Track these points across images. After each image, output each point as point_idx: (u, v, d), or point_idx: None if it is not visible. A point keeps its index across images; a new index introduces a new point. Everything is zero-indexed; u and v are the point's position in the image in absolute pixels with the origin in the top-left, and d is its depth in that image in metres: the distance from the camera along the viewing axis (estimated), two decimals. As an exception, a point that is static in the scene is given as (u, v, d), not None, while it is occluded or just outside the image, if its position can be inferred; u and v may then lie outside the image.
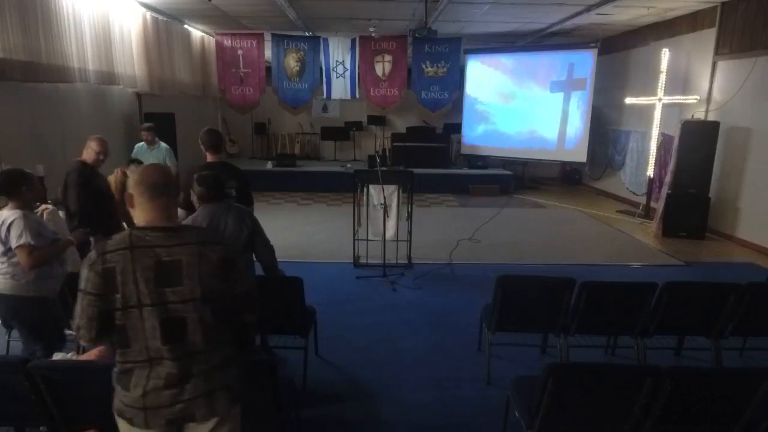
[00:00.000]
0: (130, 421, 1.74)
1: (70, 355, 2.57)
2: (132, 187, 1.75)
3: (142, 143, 6.38)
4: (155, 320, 1.68)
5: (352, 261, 5.99)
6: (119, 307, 1.67)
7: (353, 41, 11.13)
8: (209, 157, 3.77)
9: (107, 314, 1.68)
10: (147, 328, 1.68)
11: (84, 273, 1.68)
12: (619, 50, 10.64)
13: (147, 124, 6.39)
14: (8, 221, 2.85)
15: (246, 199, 3.71)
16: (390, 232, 5.78)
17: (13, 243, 2.82)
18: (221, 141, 3.87)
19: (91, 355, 2.51)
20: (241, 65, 11.16)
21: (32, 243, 2.84)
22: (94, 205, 4.10)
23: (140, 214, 1.75)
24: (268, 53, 11.41)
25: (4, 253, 2.89)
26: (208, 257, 1.72)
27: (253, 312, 1.89)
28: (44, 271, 2.98)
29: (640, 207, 9.09)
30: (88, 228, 3.85)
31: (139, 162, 5.68)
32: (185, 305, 1.69)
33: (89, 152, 4.15)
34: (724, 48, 7.61)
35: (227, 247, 1.79)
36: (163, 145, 6.43)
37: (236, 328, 1.88)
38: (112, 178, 4.79)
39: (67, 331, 3.23)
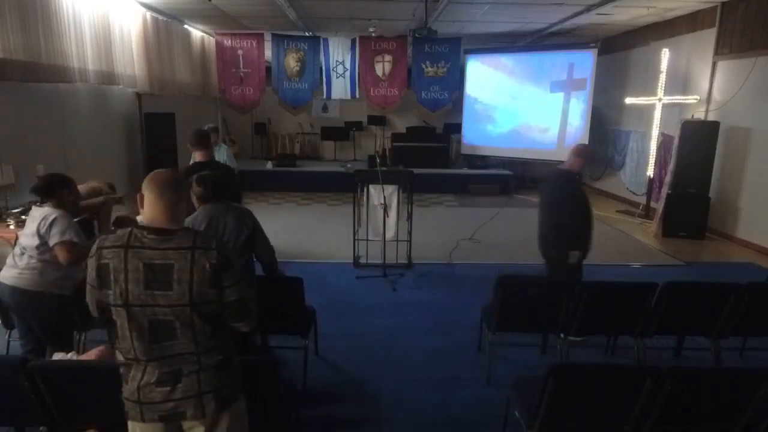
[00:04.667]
0: (127, 414, 1.79)
1: (70, 355, 2.57)
2: (143, 188, 1.79)
3: None
4: (142, 321, 1.70)
5: (352, 261, 5.99)
6: (111, 303, 1.71)
7: (353, 41, 11.13)
8: (198, 156, 3.87)
9: (105, 307, 1.73)
10: (135, 327, 1.70)
11: (88, 262, 1.75)
12: (619, 50, 10.64)
13: (212, 125, 6.05)
14: (50, 218, 2.90)
15: (235, 195, 3.73)
16: (390, 232, 5.78)
17: (56, 239, 2.86)
18: (207, 139, 3.91)
19: (91, 355, 2.52)
20: (241, 65, 11.16)
21: (75, 240, 2.90)
22: None
23: (146, 211, 1.78)
24: (268, 53, 11.40)
25: (38, 247, 2.92)
26: (200, 263, 1.70)
27: (247, 320, 1.85)
28: (71, 270, 3.02)
29: (640, 207, 9.09)
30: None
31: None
32: (173, 310, 1.69)
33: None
34: (724, 48, 7.61)
35: (222, 253, 1.75)
36: (224, 146, 6.20)
37: (230, 333, 1.86)
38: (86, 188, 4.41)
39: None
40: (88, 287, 1.76)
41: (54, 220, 2.90)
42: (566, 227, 3.87)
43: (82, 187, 4.63)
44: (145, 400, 1.74)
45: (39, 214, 2.95)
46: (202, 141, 3.85)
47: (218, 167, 3.87)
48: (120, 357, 1.78)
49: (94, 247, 1.74)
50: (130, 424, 1.83)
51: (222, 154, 6.15)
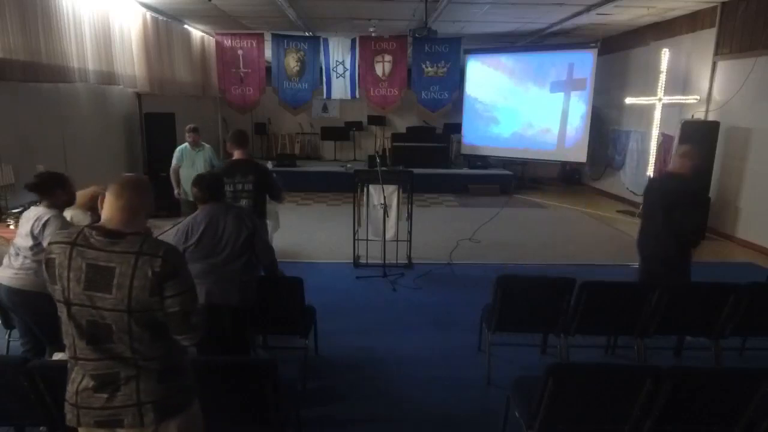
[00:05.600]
0: (65, 417, 1.76)
1: (70, 355, 2.57)
2: (107, 189, 1.77)
3: (185, 145, 6.17)
4: (82, 321, 1.69)
5: (352, 261, 5.99)
6: (56, 299, 1.71)
7: (353, 41, 11.13)
8: (236, 155, 4.16)
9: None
10: (74, 326, 1.69)
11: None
12: (619, 50, 10.64)
13: (192, 126, 6.16)
14: (44, 218, 2.88)
15: (271, 192, 4.23)
16: (390, 232, 5.78)
17: (49, 240, 2.83)
18: (246, 139, 4.25)
19: (90, 355, 2.51)
20: (241, 65, 11.16)
21: None
22: None
23: (104, 211, 1.76)
24: (268, 53, 11.40)
25: (32, 248, 2.90)
26: (143, 269, 1.65)
27: (189, 334, 1.77)
28: None
29: (640, 207, 9.08)
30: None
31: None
32: (111, 314, 1.66)
33: None
34: (724, 48, 7.61)
35: (169, 261, 1.68)
36: (207, 146, 6.28)
37: (175, 342, 1.80)
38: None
39: None
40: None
41: (47, 221, 2.88)
42: (687, 231, 3.81)
43: (84, 193, 4.64)
44: (82, 404, 1.72)
45: (33, 215, 2.94)
46: (241, 141, 4.16)
47: (256, 165, 4.19)
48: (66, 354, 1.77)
49: (47, 242, 1.76)
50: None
51: (207, 153, 6.20)
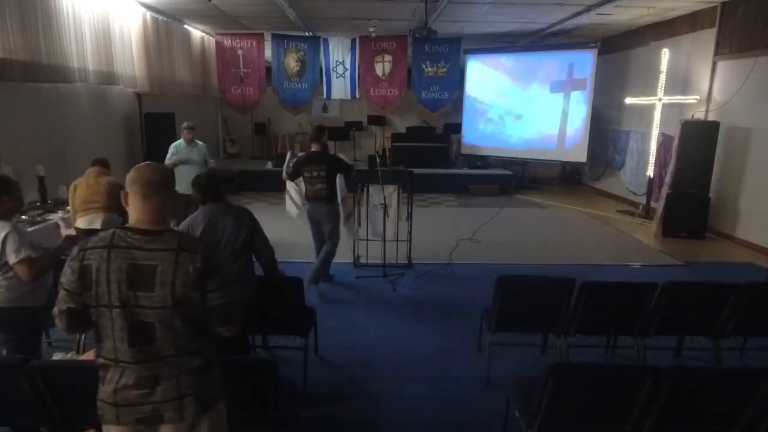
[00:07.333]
0: (101, 417, 1.75)
1: (70, 355, 2.56)
2: (127, 185, 1.75)
3: (180, 141, 6.36)
4: (123, 323, 1.67)
5: (352, 261, 5.99)
6: (93, 305, 1.68)
7: (353, 41, 11.13)
8: (313, 147, 5.10)
9: (83, 309, 1.70)
10: (115, 329, 1.68)
11: (66, 266, 1.70)
12: (619, 50, 10.63)
13: (188, 124, 6.42)
14: (0, 235, 2.68)
15: (346, 174, 5.27)
16: (390, 232, 5.79)
17: (12, 258, 2.68)
18: (322, 135, 5.13)
19: (90, 354, 2.51)
20: (241, 65, 11.16)
21: (33, 255, 2.72)
22: None
23: (132, 212, 1.74)
24: (268, 53, 11.40)
25: (0, 267, 2.74)
26: (184, 265, 1.66)
27: (229, 326, 1.80)
28: (40, 281, 2.85)
29: (640, 207, 9.09)
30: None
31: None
32: (155, 311, 1.67)
33: None
34: (724, 48, 7.61)
35: (207, 256, 1.72)
36: (201, 143, 6.47)
37: (212, 337, 1.82)
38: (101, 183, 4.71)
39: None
40: (62, 293, 1.69)
41: (5, 238, 2.67)
42: None
43: (101, 192, 4.62)
44: (121, 402, 1.71)
45: None
46: (318, 135, 5.08)
47: (328, 156, 5.14)
48: (100, 358, 1.74)
49: (76, 249, 1.71)
50: (104, 427, 1.78)
51: (201, 150, 6.33)
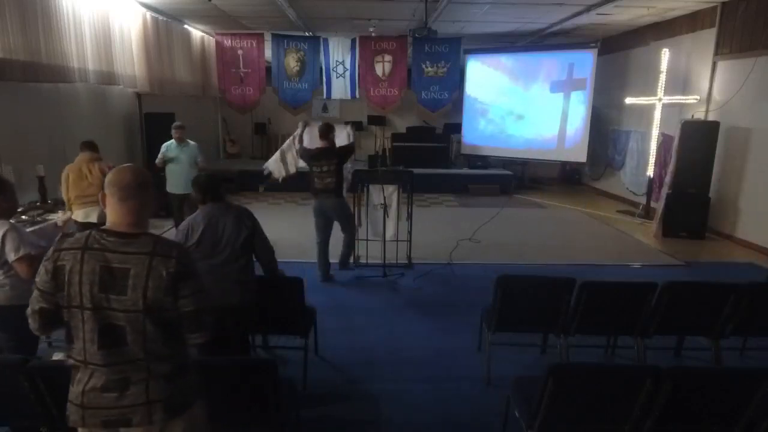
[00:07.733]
0: (68, 418, 1.74)
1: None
2: (105, 187, 1.74)
3: (172, 141, 6.35)
4: (94, 324, 1.67)
5: (352, 261, 5.99)
6: (64, 305, 1.68)
7: (353, 41, 11.13)
8: (321, 144, 5.30)
9: (56, 309, 1.70)
10: (86, 330, 1.67)
11: (41, 266, 1.71)
12: (619, 50, 10.64)
13: (178, 123, 6.45)
14: None
15: (349, 152, 5.56)
16: (390, 232, 5.79)
17: (12, 256, 2.70)
18: (329, 132, 5.30)
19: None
20: (241, 65, 11.16)
21: (32, 253, 2.73)
22: None
23: (109, 214, 1.74)
24: (268, 53, 11.40)
25: (1, 266, 2.77)
26: (157, 269, 1.66)
27: (201, 332, 1.78)
28: None
29: (640, 207, 9.09)
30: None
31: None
32: (126, 315, 1.66)
33: None
34: (724, 48, 7.61)
35: (182, 262, 1.71)
36: (192, 143, 6.46)
37: (184, 341, 1.81)
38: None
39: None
40: (35, 293, 1.70)
41: (3, 237, 2.71)
42: None
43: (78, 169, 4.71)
44: (89, 404, 1.70)
45: None
46: (327, 132, 5.27)
47: (336, 150, 5.31)
48: (71, 359, 1.74)
49: (51, 250, 1.71)
50: (71, 429, 1.78)
51: (191, 150, 6.37)
